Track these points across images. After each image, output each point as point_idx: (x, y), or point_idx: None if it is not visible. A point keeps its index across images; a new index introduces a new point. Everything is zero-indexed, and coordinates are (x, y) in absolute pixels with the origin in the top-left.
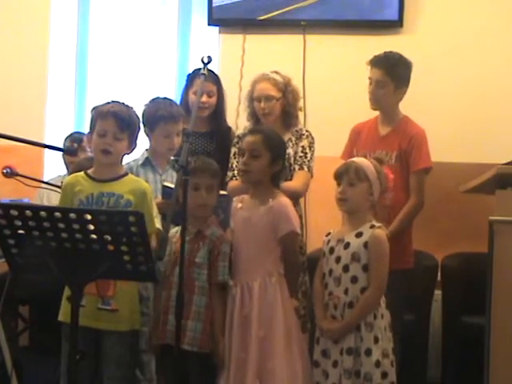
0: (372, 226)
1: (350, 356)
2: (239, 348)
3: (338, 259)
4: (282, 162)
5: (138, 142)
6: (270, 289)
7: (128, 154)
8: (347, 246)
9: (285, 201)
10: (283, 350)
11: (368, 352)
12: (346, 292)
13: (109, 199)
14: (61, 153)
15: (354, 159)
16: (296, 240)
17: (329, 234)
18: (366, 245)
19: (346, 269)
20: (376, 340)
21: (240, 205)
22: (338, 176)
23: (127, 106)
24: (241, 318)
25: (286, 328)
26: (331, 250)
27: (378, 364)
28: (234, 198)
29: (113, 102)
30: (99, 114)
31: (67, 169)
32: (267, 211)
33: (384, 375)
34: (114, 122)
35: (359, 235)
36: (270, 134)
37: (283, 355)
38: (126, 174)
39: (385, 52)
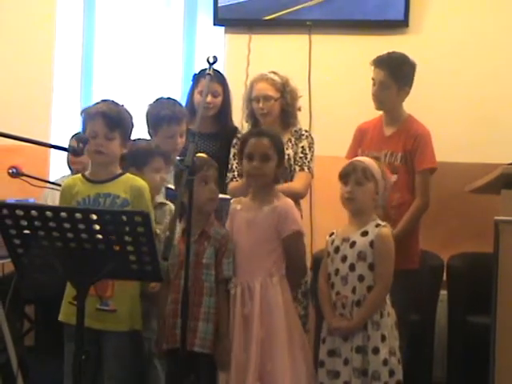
0: (377, 225)
1: (359, 354)
2: (240, 348)
3: (344, 258)
4: (284, 162)
5: (131, 139)
6: (271, 289)
7: (124, 151)
8: (353, 244)
9: (289, 201)
10: (285, 351)
11: (375, 350)
12: (353, 291)
13: (105, 200)
14: (66, 153)
15: (359, 158)
16: (300, 240)
17: (332, 233)
18: (371, 243)
19: (352, 268)
20: (383, 338)
21: (239, 206)
22: (345, 175)
23: (116, 104)
24: (241, 318)
25: (287, 329)
26: (336, 250)
27: (385, 362)
28: (232, 200)
29: (102, 101)
30: (88, 115)
31: (70, 169)
32: (272, 211)
33: (391, 373)
34: (103, 122)
35: (365, 234)
36: (276, 136)
37: (285, 357)
38: (123, 173)
39: (388, 52)
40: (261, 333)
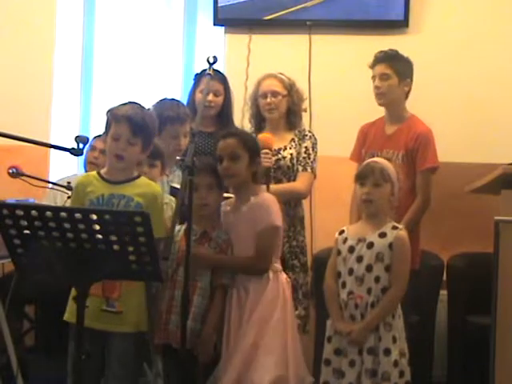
0: (394, 227)
1: (371, 356)
2: (236, 350)
3: (359, 258)
4: (259, 159)
5: (151, 145)
6: (265, 288)
7: (142, 157)
8: (370, 245)
9: (266, 196)
10: (276, 346)
11: (387, 352)
12: (368, 292)
13: (119, 201)
14: (83, 151)
15: (376, 159)
16: (274, 234)
17: (342, 231)
18: (390, 245)
19: (369, 268)
20: (394, 340)
21: (228, 207)
22: (362, 177)
23: (143, 108)
24: (237, 320)
25: (282, 327)
26: (351, 249)
27: (396, 363)
28: (223, 202)
29: (129, 103)
30: (114, 117)
31: (85, 168)
32: (249, 209)
33: (401, 374)
34: (128, 126)
35: (383, 235)
36: (243, 135)
37: (275, 352)
38: (139, 177)
39: (381, 50)
40: (256, 331)
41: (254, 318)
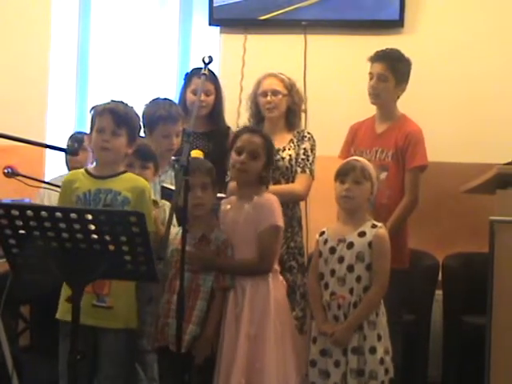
0: (374, 226)
1: (355, 355)
2: (229, 348)
3: (341, 259)
4: (273, 165)
5: (137, 139)
6: (262, 287)
7: (129, 151)
8: (350, 245)
9: (269, 196)
10: (274, 349)
11: (372, 350)
12: (351, 292)
13: (106, 196)
14: (62, 153)
15: (356, 158)
16: (277, 234)
17: (322, 233)
18: (370, 244)
19: (350, 269)
20: (379, 338)
21: (229, 206)
22: (343, 174)
23: (125, 104)
24: (233, 318)
25: (278, 326)
26: (332, 250)
27: (381, 361)
28: (223, 201)
29: (111, 100)
30: (97, 111)
31: (68, 168)
32: (251, 208)
33: (386, 372)
34: (111, 117)
35: (362, 235)
36: (269, 138)
37: (273, 355)
38: (126, 172)
39: (386, 48)
40: (250, 330)
41: (251, 318)
